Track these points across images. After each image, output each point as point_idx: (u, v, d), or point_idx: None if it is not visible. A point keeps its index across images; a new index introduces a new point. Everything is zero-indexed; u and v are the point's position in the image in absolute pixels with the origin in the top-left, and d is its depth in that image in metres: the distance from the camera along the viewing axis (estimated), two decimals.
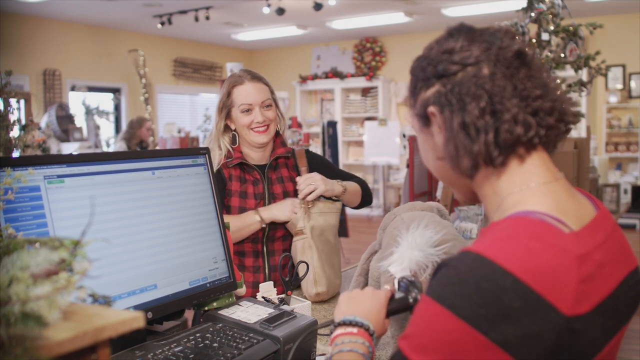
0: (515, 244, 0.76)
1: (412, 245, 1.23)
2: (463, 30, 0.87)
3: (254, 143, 1.89)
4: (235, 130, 1.92)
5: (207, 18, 7.86)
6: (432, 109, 0.86)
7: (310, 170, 1.96)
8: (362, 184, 2.07)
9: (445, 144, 0.86)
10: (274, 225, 1.89)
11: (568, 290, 0.74)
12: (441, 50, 0.86)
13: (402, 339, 0.78)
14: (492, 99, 0.81)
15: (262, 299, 1.44)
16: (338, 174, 2.05)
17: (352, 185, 1.99)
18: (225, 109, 1.90)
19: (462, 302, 0.73)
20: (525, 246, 0.75)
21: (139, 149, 6.46)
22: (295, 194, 1.92)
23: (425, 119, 0.89)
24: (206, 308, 1.40)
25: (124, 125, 9.24)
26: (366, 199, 2.06)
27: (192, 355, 1.09)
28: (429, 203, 1.50)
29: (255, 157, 1.95)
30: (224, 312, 1.29)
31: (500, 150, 0.82)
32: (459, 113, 0.83)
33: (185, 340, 1.16)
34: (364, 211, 9.63)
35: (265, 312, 1.30)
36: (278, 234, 1.92)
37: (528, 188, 0.83)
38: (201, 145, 4.20)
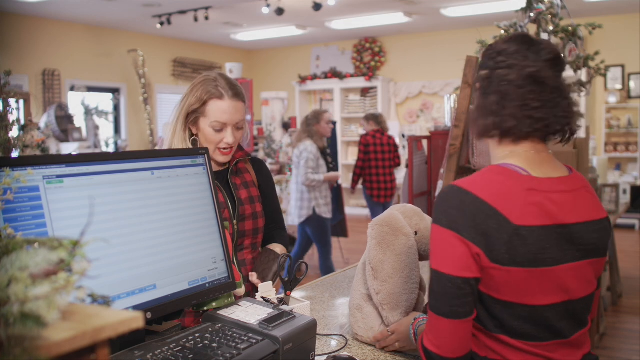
0: (480, 177, 1.16)
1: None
2: (518, 40, 1.20)
3: (214, 160, 1.78)
4: (196, 135, 1.78)
5: (207, 18, 7.87)
6: (478, 84, 1.25)
7: (259, 182, 1.92)
8: (285, 242, 1.98)
9: (475, 109, 1.23)
10: (241, 234, 1.81)
11: (515, 207, 1.10)
12: (498, 49, 1.21)
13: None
14: (503, 97, 1.17)
15: (262, 299, 1.44)
16: (273, 204, 1.98)
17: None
18: (194, 115, 1.74)
19: (443, 216, 1.13)
20: (486, 178, 1.15)
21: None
22: (258, 199, 1.88)
23: None
24: (205, 308, 1.40)
25: (123, 126, 9.26)
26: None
27: (191, 356, 1.09)
28: (399, 212, 1.58)
29: (213, 163, 1.80)
30: (223, 312, 1.29)
31: (498, 131, 1.19)
32: (485, 96, 1.20)
33: (185, 340, 1.16)
34: (364, 211, 9.63)
35: (264, 312, 1.30)
36: (246, 242, 1.85)
37: (514, 152, 1.18)
38: None
